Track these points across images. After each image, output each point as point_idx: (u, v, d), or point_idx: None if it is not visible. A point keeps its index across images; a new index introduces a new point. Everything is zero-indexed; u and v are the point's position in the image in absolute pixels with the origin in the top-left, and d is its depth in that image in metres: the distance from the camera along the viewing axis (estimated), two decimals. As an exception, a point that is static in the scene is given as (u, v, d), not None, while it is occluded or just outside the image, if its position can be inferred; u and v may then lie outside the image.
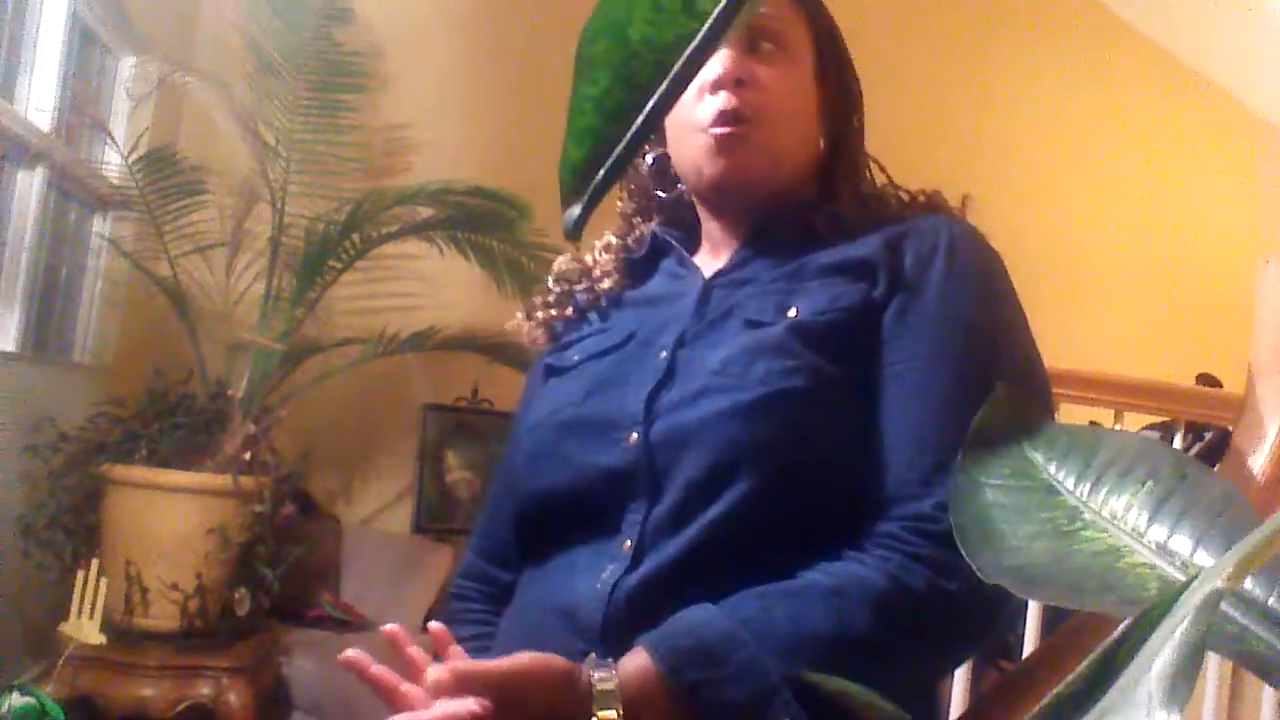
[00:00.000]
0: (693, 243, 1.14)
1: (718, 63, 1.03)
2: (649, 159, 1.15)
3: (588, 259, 1.18)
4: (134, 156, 2.96)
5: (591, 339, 1.10)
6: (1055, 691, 0.24)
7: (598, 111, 0.40)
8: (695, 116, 1.04)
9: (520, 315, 1.18)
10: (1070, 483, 0.56)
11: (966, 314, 0.96)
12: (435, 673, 0.76)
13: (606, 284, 1.15)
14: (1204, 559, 0.46)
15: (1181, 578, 0.45)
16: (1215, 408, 2.30)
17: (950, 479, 0.70)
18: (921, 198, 1.09)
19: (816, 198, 1.07)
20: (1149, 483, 0.51)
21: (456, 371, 3.75)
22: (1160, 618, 0.23)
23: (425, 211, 3.31)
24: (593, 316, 1.14)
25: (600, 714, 0.78)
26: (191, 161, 3.13)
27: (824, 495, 0.91)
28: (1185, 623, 0.22)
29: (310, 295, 3.18)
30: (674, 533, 0.90)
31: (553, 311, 1.16)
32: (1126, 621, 0.24)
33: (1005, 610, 0.91)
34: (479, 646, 1.01)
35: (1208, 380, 3.79)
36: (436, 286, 3.64)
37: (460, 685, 0.76)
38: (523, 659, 0.79)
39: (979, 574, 0.50)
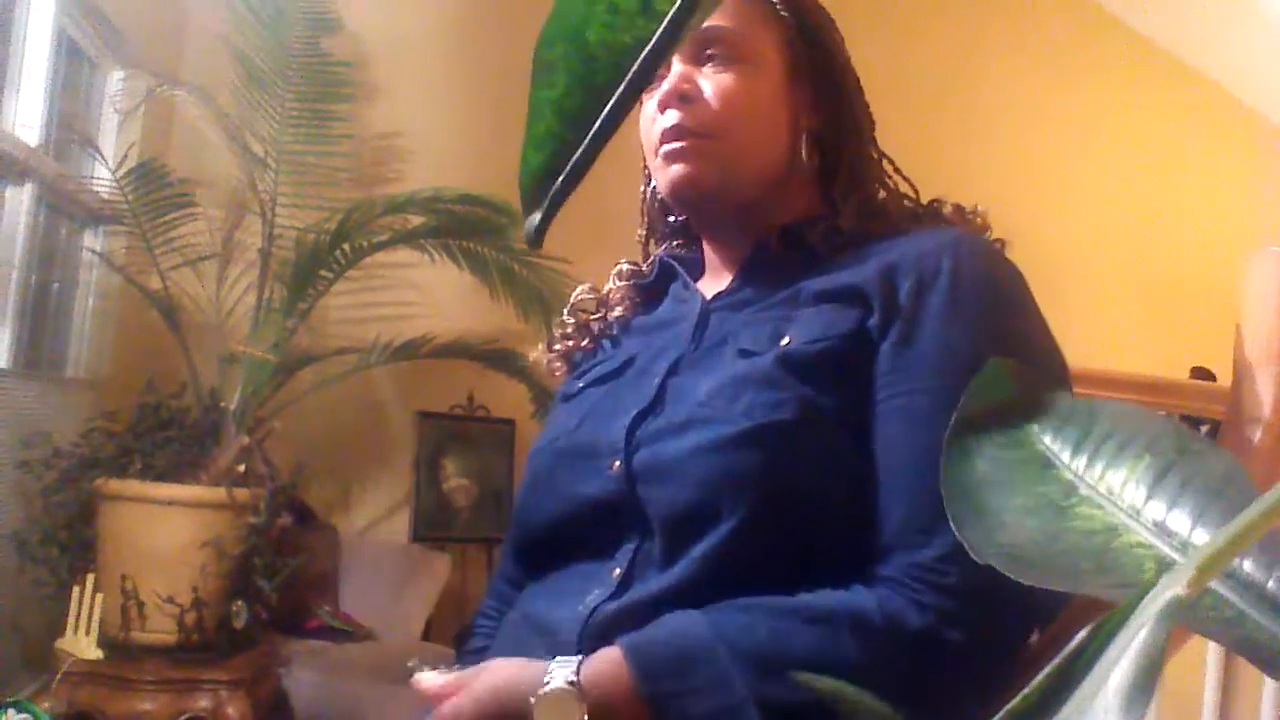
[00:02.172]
0: (703, 265, 1.14)
1: (665, 79, 1.01)
2: (651, 184, 1.14)
3: (603, 288, 1.18)
4: (122, 170, 2.95)
5: (597, 366, 1.09)
6: (1009, 707, 0.23)
7: (557, 115, 0.39)
8: (651, 136, 1.03)
9: (542, 347, 1.19)
10: (1066, 455, 0.54)
11: (970, 345, 0.89)
12: None
13: (618, 311, 1.15)
14: (1202, 537, 0.44)
15: (1179, 559, 0.44)
16: (1210, 401, 2.29)
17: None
18: (939, 207, 1.05)
19: (819, 211, 1.04)
20: (1148, 456, 0.49)
21: (451, 379, 3.74)
22: (1119, 627, 0.23)
23: (416, 220, 3.30)
24: (606, 344, 1.14)
25: (555, 672, 0.80)
26: (180, 174, 3.12)
27: (815, 534, 0.88)
28: (1143, 633, 0.22)
29: (302, 306, 3.17)
30: (662, 568, 0.89)
31: (570, 342, 1.17)
32: (1084, 631, 0.24)
33: (1010, 662, 0.85)
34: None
35: (1202, 374, 3.78)
36: (429, 294, 3.64)
37: None
38: (467, 675, 0.82)
39: (972, 555, 0.48)
